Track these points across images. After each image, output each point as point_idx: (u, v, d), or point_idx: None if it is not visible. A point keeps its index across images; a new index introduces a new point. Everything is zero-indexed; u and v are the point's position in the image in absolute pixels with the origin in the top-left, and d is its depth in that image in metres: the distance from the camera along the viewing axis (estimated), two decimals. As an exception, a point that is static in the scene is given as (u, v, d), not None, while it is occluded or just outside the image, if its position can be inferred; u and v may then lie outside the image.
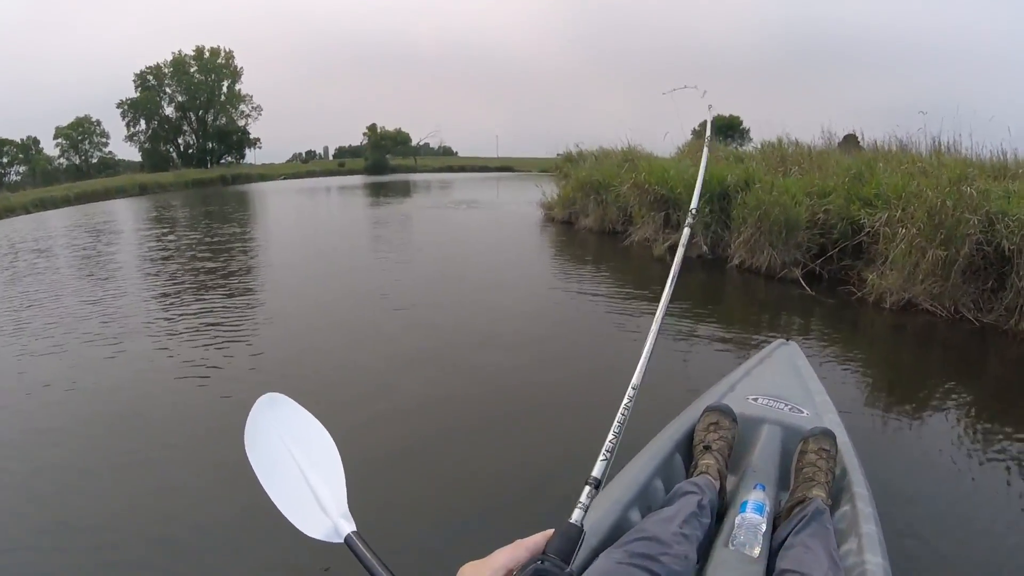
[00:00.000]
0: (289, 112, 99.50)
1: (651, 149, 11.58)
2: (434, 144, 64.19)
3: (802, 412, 2.16)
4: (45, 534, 2.44)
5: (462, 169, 51.06)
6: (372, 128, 55.55)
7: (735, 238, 7.37)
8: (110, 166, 46.79)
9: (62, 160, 46.70)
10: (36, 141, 46.43)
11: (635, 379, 1.08)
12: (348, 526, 1.96)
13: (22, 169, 44.86)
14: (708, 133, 1.79)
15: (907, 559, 2.15)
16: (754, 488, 1.71)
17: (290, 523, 2.03)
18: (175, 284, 7.26)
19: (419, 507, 2.55)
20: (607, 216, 10.65)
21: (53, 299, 6.57)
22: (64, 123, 46.66)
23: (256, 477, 2.15)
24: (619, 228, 10.22)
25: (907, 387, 4.17)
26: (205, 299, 6.41)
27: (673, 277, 1.31)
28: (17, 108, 64.67)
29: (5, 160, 44.92)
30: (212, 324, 5.39)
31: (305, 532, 2.01)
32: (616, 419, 1.01)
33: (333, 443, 2.27)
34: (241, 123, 51.68)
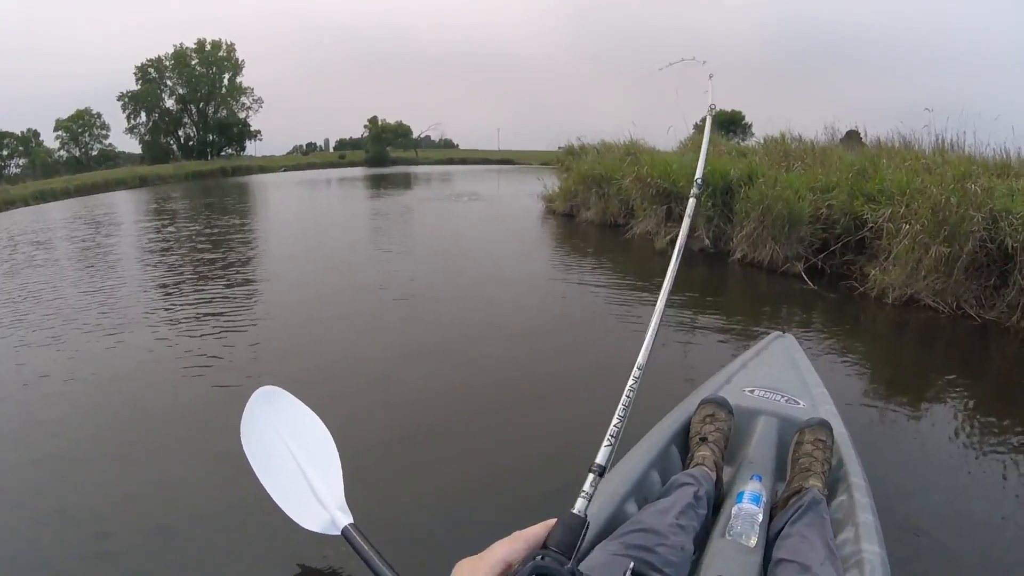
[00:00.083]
0: (290, 105, 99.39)
1: (653, 143, 11.59)
2: (435, 137, 64.27)
3: (798, 403, 2.17)
4: (43, 524, 2.43)
5: (463, 162, 50.96)
6: (373, 120, 55.44)
7: (737, 232, 7.34)
8: (110, 158, 46.75)
9: (62, 152, 46.63)
10: (36, 133, 46.40)
11: (640, 358, 1.04)
12: (345, 518, 1.98)
13: (22, 161, 44.82)
14: (711, 101, 1.75)
15: (904, 549, 2.14)
16: (751, 479, 1.71)
17: (287, 516, 2.04)
18: (174, 275, 7.25)
19: (417, 498, 2.53)
20: (609, 209, 10.62)
21: (52, 290, 6.56)
22: (64, 115, 46.61)
23: (252, 471, 2.16)
24: (620, 221, 10.19)
25: (907, 381, 4.15)
26: (204, 290, 6.40)
27: (680, 245, 1.27)
28: (17, 101, 64.82)
29: (5, 152, 44.86)
30: (211, 315, 5.38)
31: (302, 525, 2.02)
32: (621, 402, 0.97)
33: (330, 436, 2.28)
34: (242, 115, 51.64)
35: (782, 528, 1.54)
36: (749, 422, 2.09)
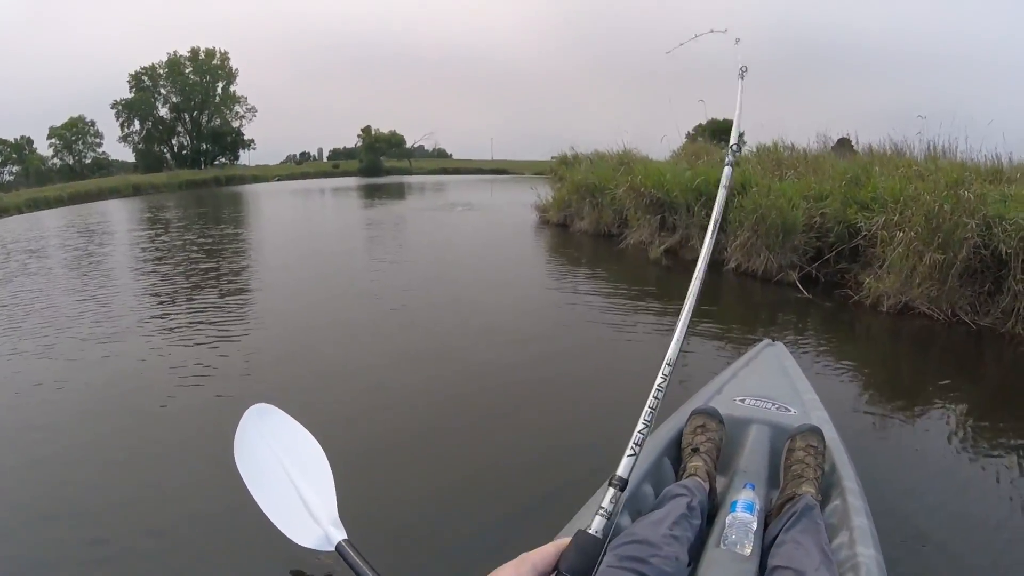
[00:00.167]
0: (283, 113, 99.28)
1: (647, 152, 11.63)
2: (429, 146, 64.12)
3: (789, 411, 2.18)
4: (36, 527, 2.41)
5: (456, 171, 51.03)
6: (367, 130, 55.41)
7: (731, 241, 7.35)
8: (104, 166, 46.53)
9: (56, 160, 46.39)
10: (30, 141, 46.13)
11: (670, 353, 0.95)
12: (339, 534, 1.98)
13: (15, 169, 44.57)
14: (740, 64, 1.69)
15: (900, 552, 2.14)
16: (744, 488, 1.71)
17: (281, 533, 2.03)
18: (168, 284, 7.21)
19: (412, 512, 2.51)
20: (602, 219, 10.64)
21: (45, 299, 6.52)
22: (58, 123, 46.38)
23: (246, 489, 2.16)
24: (614, 231, 10.21)
25: (903, 388, 4.16)
26: (198, 299, 6.36)
27: (717, 217, 1.24)
28: (10, 107, 64.33)
29: (-2, 159, 44.70)
30: (204, 324, 5.34)
31: (296, 541, 2.02)
32: (647, 404, 0.88)
33: (322, 452, 2.29)
34: (235, 124, 51.61)
35: (777, 535, 1.54)
36: (741, 431, 2.09)
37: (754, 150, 9.74)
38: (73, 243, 11.59)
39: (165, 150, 49.89)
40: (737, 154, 1.38)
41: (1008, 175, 6.48)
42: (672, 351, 0.96)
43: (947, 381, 4.14)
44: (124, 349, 4.75)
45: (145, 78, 47.74)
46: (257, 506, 2.09)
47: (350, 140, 59.66)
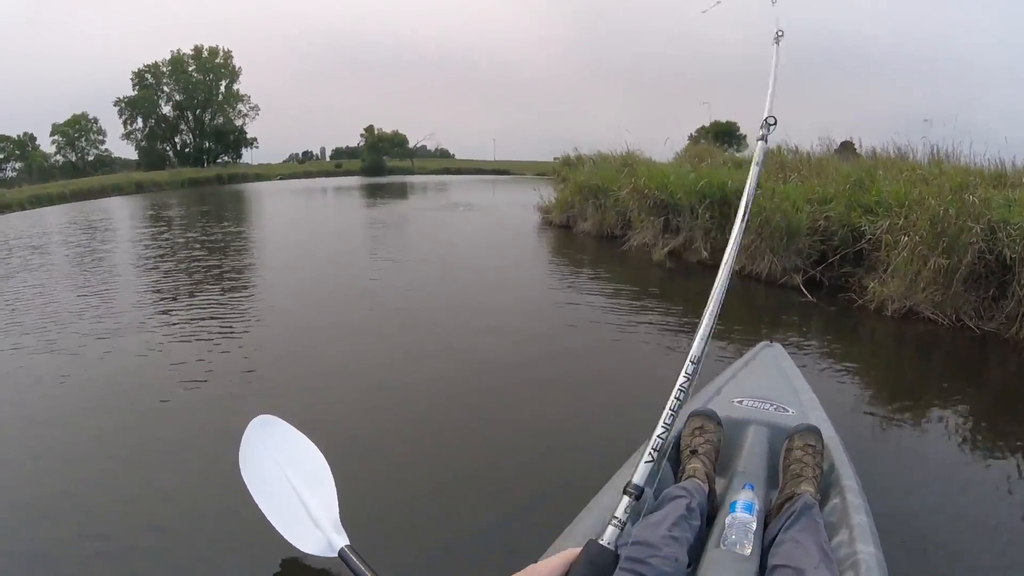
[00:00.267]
0: (286, 112, 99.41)
1: (650, 154, 11.61)
2: (431, 146, 64.16)
3: (787, 411, 2.19)
4: (34, 524, 2.40)
5: (459, 171, 51.07)
6: (369, 129, 55.44)
7: (735, 244, 7.33)
8: (106, 164, 46.55)
9: (58, 157, 46.38)
10: (33, 138, 46.15)
11: (694, 350, 0.90)
12: (341, 540, 2.03)
13: (18, 166, 44.60)
14: (777, 27, 1.55)
15: (900, 553, 2.13)
16: (743, 488, 1.71)
17: (285, 540, 2.05)
18: (170, 282, 7.22)
19: (414, 516, 2.50)
20: (606, 220, 10.63)
21: (47, 295, 6.51)
22: (61, 120, 46.40)
23: (251, 497, 2.17)
24: (617, 232, 10.19)
25: (905, 391, 4.16)
26: (199, 297, 6.36)
27: (749, 195, 1.19)
28: (14, 104, 64.37)
29: (1, 156, 44.67)
30: (206, 322, 5.34)
31: (300, 548, 2.08)
32: (667, 406, 0.83)
33: (324, 460, 2.36)
34: (238, 123, 51.54)
35: (776, 535, 1.54)
36: (739, 432, 2.10)
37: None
38: (75, 240, 11.60)
39: (168, 148, 49.87)
40: (773, 127, 1.31)
41: (1012, 179, 6.46)
42: (697, 348, 0.91)
43: (950, 385, 4.14)
44: (126, 345, 4.75)
45: (148, 76, 47.72)
46: (262, 514, 2.13)
47: (353, 140, 59.75)
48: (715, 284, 1.00)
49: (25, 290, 6.82)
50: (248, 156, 53.73)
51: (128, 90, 47.44)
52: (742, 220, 1.11)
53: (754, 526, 1.55)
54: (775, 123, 1.32)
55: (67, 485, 2.75)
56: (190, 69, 48.46)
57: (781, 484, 1.81)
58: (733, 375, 2.57)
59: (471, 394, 3.86)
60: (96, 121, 47.74)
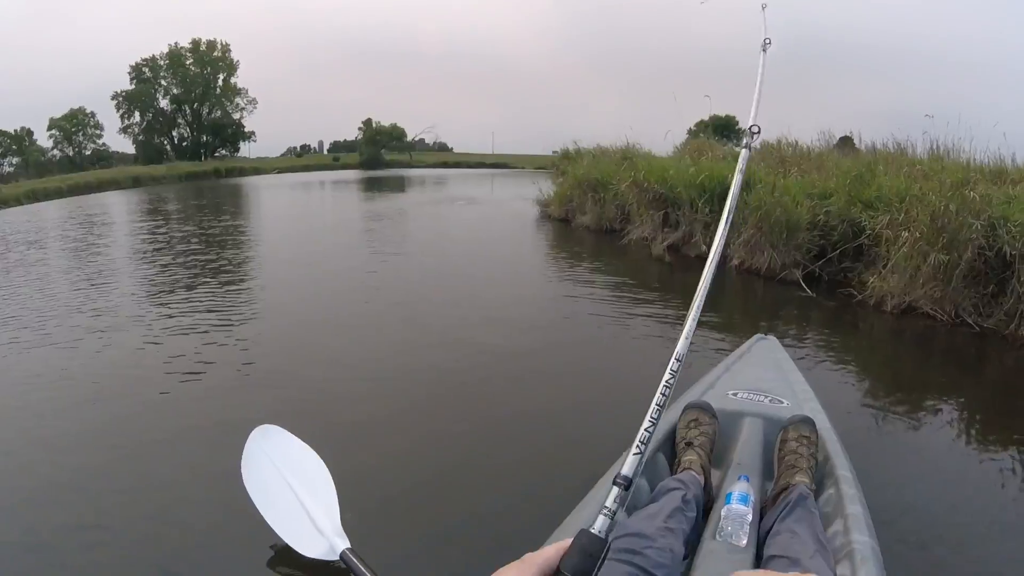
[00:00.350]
0: (284, 106, 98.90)
1: (649, 148, 11.60)
2: (429, 140, 64.12)
3: (782, 403, 2.20)
4: (36, 524, 2.38)
5: (457, 165, 51.03)
6: (367, 123, 55.39)
7: (735, 238, 7.32)
8: (104, 158, 46.51)
9: (55, 152, 46.35)
10: (30, 132, 46.05)
11: (680, 347, 0.93)
12: (343, 543, 2.07)
13: (15, 160, 44.50)
14: (765, 35, 1.53)
15: (898, 547, 2.15)
16: (738, 480, 1.71)
17: (288, 545, 2.07)
18: (168, 276, 7.21)
19: (414, 517, 2.49)
20: (605, 214, 10.60)
21: (45, 290, 6.49)
22: (58, 114, 46.31)
23: (254, 506, 2.19)
24: (616, 226, 10.17)
25: (903, 386, 4.16)
26: (196, 292, 6.34)
27: (733, 197, 1.20)
28: (11, 98, 64.12)
29: (-2, 150, 44.61)
30: (203, 318, 5.31)
31: (302, 552, 2.11)
32: (654, 401, 0.85)
33: (324, 466, 2.40)
34: (236, 116, 51.49)
35: (772, 526, 1.55)
36: (734, 424, 2.11)
37: (758, 146, 9.68)
38: (73, 235, 11.58)
39: (165, 142, 49.80)
40: (757, 135, 1.32)
41: (1012, 176, 6.45)
42: (682, 346, 0.94)
43: (947, 380, 4.17)
44: (124, 339, 4.74)
45: (146, 69, 47.60)
46: (264, 520, 2.17)
47: (351, 133, 59.83)
48: (699, 286, 1.04)
49: (22, 285, 6.80)
50: (246, 149, 53.69)
51: (125, 84, 47.43)
52: (725, 224, 1.12)
53: (750, 517, 1.56)
54: (759, 131, 1.33)
55: (65, 476, 2.75)
56: (188, 63, 48.35)
57: (776, 475, 1.82)
58: (727, 368, 2.58)
59: (469, 388, 3.85)
60: (93, 115, 47.73)
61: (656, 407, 0.85)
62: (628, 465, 0.78)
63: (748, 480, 1.70)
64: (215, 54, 49.07)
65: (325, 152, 64.07)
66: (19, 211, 17.52)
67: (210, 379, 3.95)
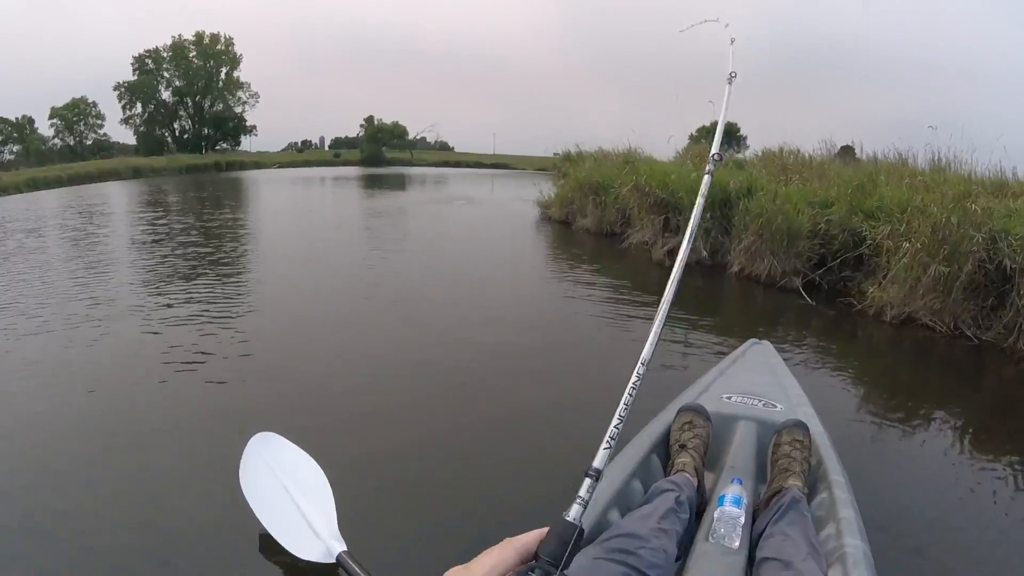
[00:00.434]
0: (284, 102, 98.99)
1: (651, 152, 11.61)
2: (431, 138, 64.14)
3: (776, 407, 2.21)
4: (34, 521, 2.36)
5: (458, 164, 51.04)
6: (369, 120, 55.33)
7: (735, 245, 7.33)
8: (104, 148, 46.39)
9: (56, 141, 46.22)
10: (31, 120, 45.94)
11: (645, 353, 1.01)
12: (339, 546, 2.10)
13: (16, 148, 44.39)
14: (731, 68, 1.59)
15: (891, 552, 2.16)
16: (731, 483, 1.72)
17: (284, 549, 2.07)
18: (166, 268, 7.18)
19: (409, 518, 2.48)
20: (605, 217, 10.60)
21: (43, 278, 6.47)
22: (60, 103, 46.19)
23: (251, 511, 2.19)
24: (617, 230, 10.17)
25: (899, 395, 4.17)
26: (194, 284, 6.33)
27: (693, 227, 1.25)
28: (12, 87, 64.18)
29: (-1, 138, 44.51)
30: (201, 310, 5.30)
31: (299, 556, 2.13)
32: (622, 400, 0.94)
33: (322, 472, 2.43)
34: (238, 110, 51.39)
35: (764, 528, 1.56)
36: (728, 428, 2.12)
37: (758, 154, 9.72)
38: (72, 224, 11.55)
39: (166, 134, 49.71)
40: (719, 163, 1.37)
41: (1014, 189, 6.46)
42: (646, 352, 1.01)
43: (943, 390, 4.18)
44: (121, 329, 4.73)
45: (149, 61, 47.52)
46: (261, 525, 2.19)
47: (352, 130, 59.75)
48: (662, 300, 1.10)
49: (21, 272, 6.78)
50: (247, 143, 53.66)
51: (128, 75, 47.30)
52: (688, 243, 1.19)
53: (742, 520, 1.57)
54: (721, 159, 1.38)
55: (62, 463, 2.74)
56: (191, 55, 48.27)
57: (769, 479, 1.83)
58: (721, 372, 2.59)
59: (467, 388, 3.85)
60: (95, 105, 47.59)
61: (624, 406, 0.94)
62: (598, 458, 0.88)
63: (741, 483, 1.71)
64: (218, 47, 48.99)
65: (326, 148, 63.96)
66: (19, 199, 17.46)
67: (208, 371, 3.94)
